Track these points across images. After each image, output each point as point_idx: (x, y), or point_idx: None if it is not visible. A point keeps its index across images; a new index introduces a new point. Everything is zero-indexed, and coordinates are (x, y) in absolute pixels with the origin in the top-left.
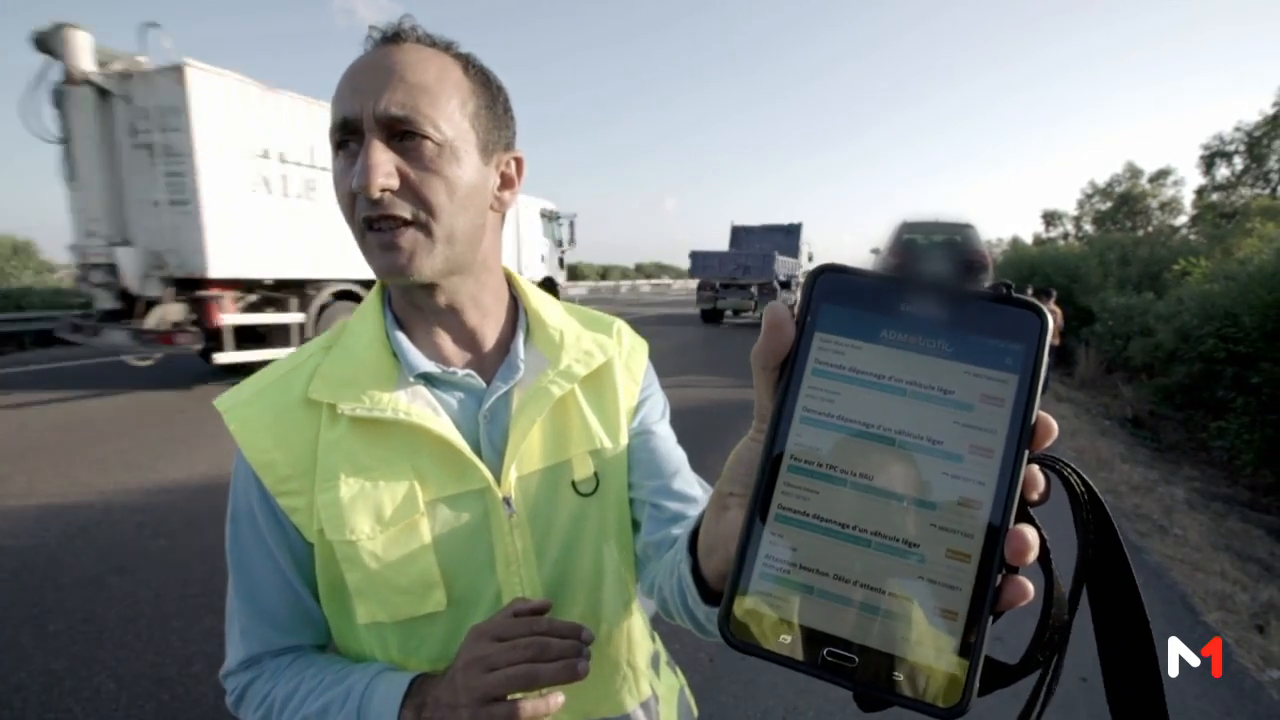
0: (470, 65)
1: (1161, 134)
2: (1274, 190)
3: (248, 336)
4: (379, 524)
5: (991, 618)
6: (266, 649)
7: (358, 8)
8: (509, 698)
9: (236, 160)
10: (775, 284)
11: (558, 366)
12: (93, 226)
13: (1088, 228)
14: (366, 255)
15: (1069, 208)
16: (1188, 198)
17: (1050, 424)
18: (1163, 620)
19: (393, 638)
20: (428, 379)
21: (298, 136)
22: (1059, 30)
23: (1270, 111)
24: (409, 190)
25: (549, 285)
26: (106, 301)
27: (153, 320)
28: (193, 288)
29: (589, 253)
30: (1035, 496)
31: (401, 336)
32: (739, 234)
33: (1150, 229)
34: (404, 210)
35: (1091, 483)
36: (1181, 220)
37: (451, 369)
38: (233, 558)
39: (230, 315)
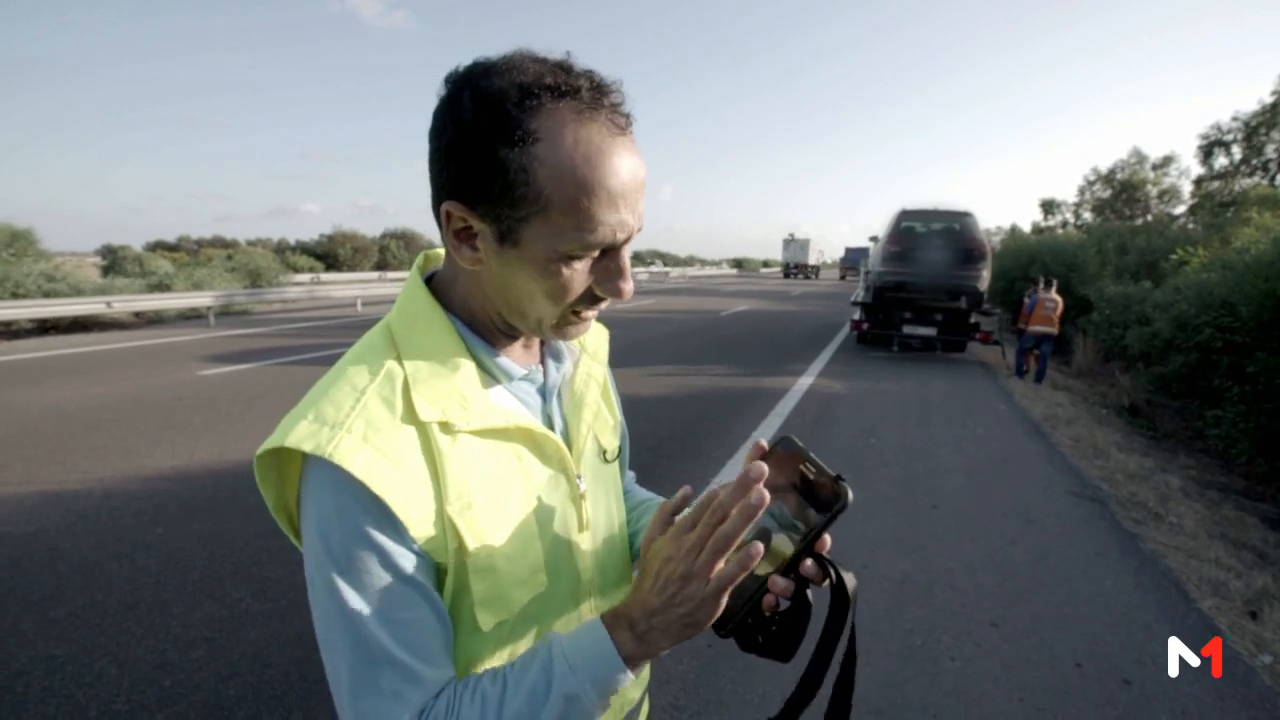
0: None
1: (1162, 124)
2: (1272, 179)
3: None
4: (507, 527)
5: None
6: (429, 694)
7: None
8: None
9: None
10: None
11: (588, 351)
12: None
13: (1086, 216)
14: (554, 330)
15: (1068, 197)
16: (1187, 187)
17: (825, 542)
18: (1156, 607)
19: (505, 630)
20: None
21: None
22: (1060, 21)
23: (1269, 100)
24: None
25: None
26: None
27: None
28: None
29: None
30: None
31: (487, 347)
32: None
33: (1149, 218)
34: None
35: (839, 571)
36: (1180, 210)
37: (530, 368)
38: (370, 610)
39: None
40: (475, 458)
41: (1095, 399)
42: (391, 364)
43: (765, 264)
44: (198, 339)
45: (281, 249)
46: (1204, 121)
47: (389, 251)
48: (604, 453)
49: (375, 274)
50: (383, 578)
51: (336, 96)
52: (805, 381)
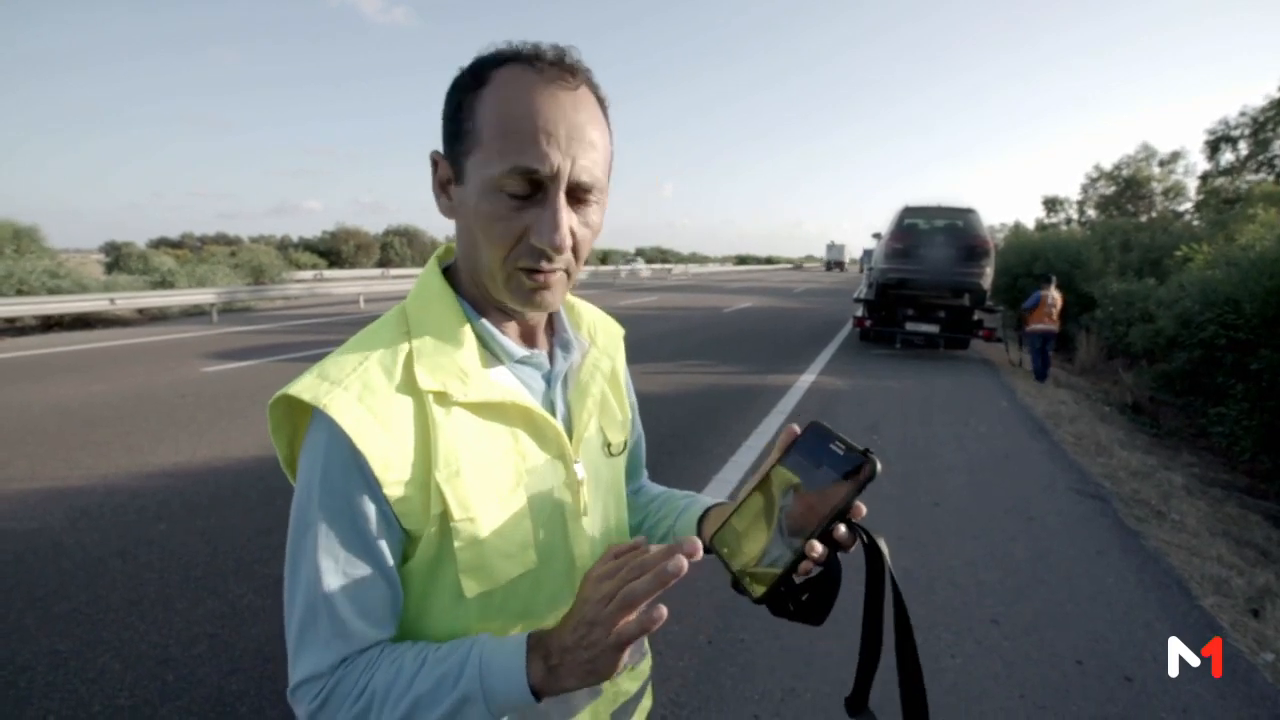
0: (606, 107)
1: (1162, 123)
2: (1279, 175)
3: None
4: (495, 497)
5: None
6: (355, 648)
7: None
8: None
9: None
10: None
11: (598, 345)
12: None
13: (1091, 213)
14: (507, 288)
15: (1071, 194)
16: (1192, 183)
17: (859, 509)
18: (1157, 605)
19: (495, 601)
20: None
21: None
22: (1065, 18)
23: (1277, 96)
24: (572, 246)
25: None
26: None
27: None
28: None
29: None
30: (841, 532)
31: (489, 326)
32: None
33: (1154, 214)
34: (561, 263)
35: (871, 534)
36: (1185, 206)
37: (533, 352)
38: (323, 557)
39: None
40: (469, 431)
41: (1098, 396)
42: (399, 338)
43: (770, 260)
44: (201, 336)
45: (285, 246)
46: (1203, 120)
47: (391, 248)
48: (608, 445)
49: (378, 271)
50: (346, 533)
51: (337, 94)
52: (807, 378)
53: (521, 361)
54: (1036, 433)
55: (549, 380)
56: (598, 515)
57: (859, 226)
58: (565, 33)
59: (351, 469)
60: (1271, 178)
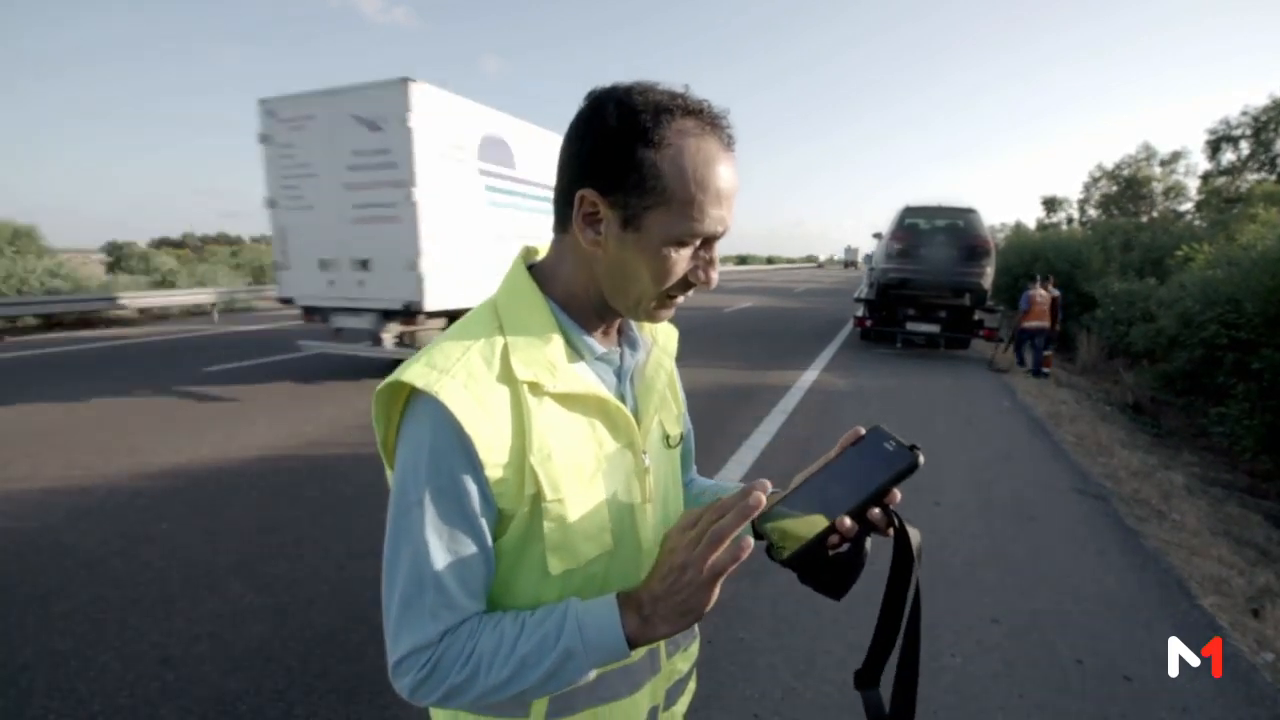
0: None
1: (1161, 123)
2: (1279, 175)
3: None
4: (579, 481)
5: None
6: (459, 619)
7: None
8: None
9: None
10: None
11: (659, 343)
12: None
13: (1092, 212)
14: (644, 310)
15: (1071, 194)
16: (1193, 183)
17: (894, 495)
18: (1157, 604)
19: (575, 581)
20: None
21: None
22: (1065, 17)
23: (1279, 95)
24: None
25: None
26: None
27: None
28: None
29: None
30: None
31: (574, 325)
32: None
33: (1155, 214)
34: None
35: (903, 520)
36: (1186, 206)
37: (610, 349)
38: (430, 534)
39: None
40: (557, 418)
41: (1099, 396)
42: (494, 331)
43: (770, 260)
44: (202, 335)
45: None
46: (1203, 121)
47: None
48: (667, 438)
49: None
50: (451, 510)
51: None
52: (809, 377)
53: (599, 359)
54: (1037, 432)
55: (620, 375)
56: (659, 503)
57: (860, 225)
58: (565, 32)
59: (458, 450)
60: (1273, 177)
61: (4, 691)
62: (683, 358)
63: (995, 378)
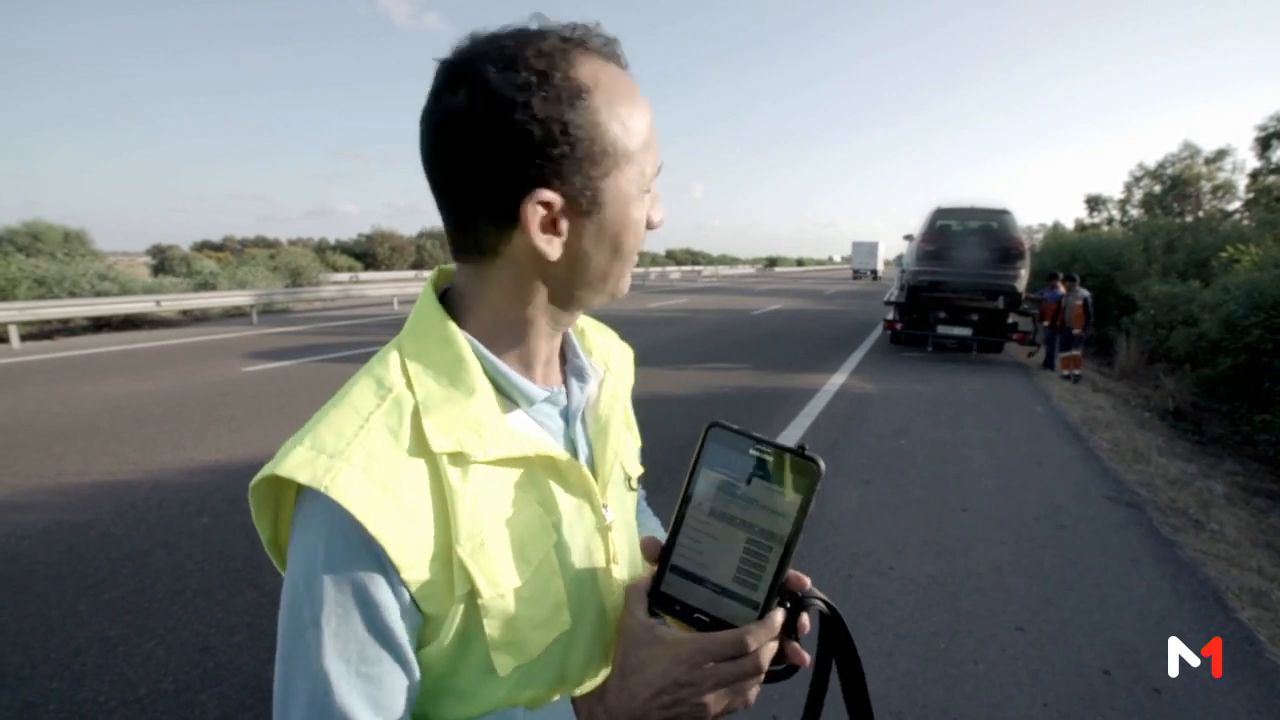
0: None
1: (1216, 119)
2: None
3: None
4: (526, 566)
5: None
6: None
7: None
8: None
9: None
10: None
11: (612, 371)
12: None
13: (1134, 212)
14: (620, 277)
15: (1114, 193)
16: (1242, 181)
17: (802, 580)
18: (1190, 616)
19: (526, 673)
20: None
21: None
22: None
23: None
24: None
25: None
26: None
27: None
28: None
29: None
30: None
31: (502, 366)
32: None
33: (1200, 214)
34: None
35: (828, 600)
36: (1234, 205)
37: (552, 389)
38: (332, 661)
39: None
40: (490, 490)
41: (1138, 401)
42: (401, 388)
43: (799, 262)
44: (241, 336)
45: (322, 248)
46: (1256, 116)
47: (425, 251)
48: (629, 479)
49: (412, 273)
50: (359, 629)
51: (368, 95)
52: (837, 380)
53: (541, 402)
54: (1071, 438)
55: (567, 417)
56: (625, 560)
57: (892, 226)
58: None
59: (363, 558)
60: None
61: (60, 674)
62: (708, 360)
63: (1028, 382)
